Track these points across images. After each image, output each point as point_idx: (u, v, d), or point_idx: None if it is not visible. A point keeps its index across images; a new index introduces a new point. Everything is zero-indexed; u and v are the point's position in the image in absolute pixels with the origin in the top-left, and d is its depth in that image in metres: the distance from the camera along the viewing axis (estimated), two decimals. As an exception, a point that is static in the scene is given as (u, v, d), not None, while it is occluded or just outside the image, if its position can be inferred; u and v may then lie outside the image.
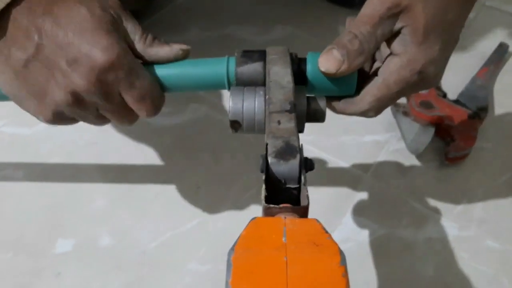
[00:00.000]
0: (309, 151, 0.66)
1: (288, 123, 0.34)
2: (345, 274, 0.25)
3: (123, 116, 0.41)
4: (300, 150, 0.31)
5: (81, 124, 0.68)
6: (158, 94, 0.40)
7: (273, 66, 0.40)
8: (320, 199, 0.61)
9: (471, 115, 0.66)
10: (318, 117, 0.41)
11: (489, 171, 0.63)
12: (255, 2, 0.87)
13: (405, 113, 0.66)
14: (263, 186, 0.30)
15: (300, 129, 0.41)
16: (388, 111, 0.69)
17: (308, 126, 0.41)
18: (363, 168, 0.64)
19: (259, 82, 0.42)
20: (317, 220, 0.27)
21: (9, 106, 0.70)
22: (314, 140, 0.66)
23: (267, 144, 0.32)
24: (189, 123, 0.69)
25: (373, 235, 0.58)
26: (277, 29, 0.82)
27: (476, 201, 0.61)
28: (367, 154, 0.65)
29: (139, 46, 0.40)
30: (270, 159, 0.31)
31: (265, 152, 0.31)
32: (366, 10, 0.38)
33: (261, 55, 0.43)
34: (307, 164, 0.32)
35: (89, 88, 0.37)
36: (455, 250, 0.56)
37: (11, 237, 0.57)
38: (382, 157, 0.65)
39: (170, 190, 0.61)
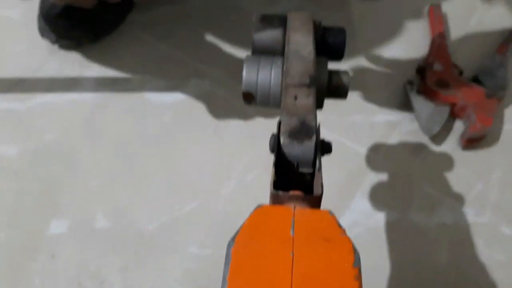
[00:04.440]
0: (317, 131, 0.62)
1: (306, 99, 0.30)
2: (358, 276, 0.22)
3: None
4: (317, 130, 0.28)
5: (76, 99, 0.65)
6: None
7: (294, 33, 0.37)
8: (328, 181, 0.57)
9: (488, 94, 0.62)
10: (341, 93, 0.38)
11: (507, 154, 0.60)
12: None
13: (420, 92, 0.63)
14: (272, 170, 0.27)
15: (319, 106, 0.38)
16: (401, 89, 0.65)
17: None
18: (374, 149, 0.61)
19: (277, 51, 0.38)
20: (331, 212, 0.24)
21: (1, 81, 0.67)
22: (322, 119, 0.63)
23: (280, 122, 0.29)
24: (191, 99, 0.65)
25: (383, 220, 0.55)
26: (283, 1, 0.77)
27: (492, 186, 0.57)
28: (378, 134, 0.62)
29: None
30: (282, 139, 0.27)
31: (277, 131, 0.28)
32: None
33: (282, 21, 0.40)
34: (324, 147, 0.28)
35: None
36: (469, 236, 0.54)
37: (4, 216, 0.54)
38: (394, 138, 0.62)
39: (169, 169, 0.58)
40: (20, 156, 0.59)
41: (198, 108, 0.64)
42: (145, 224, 0.54)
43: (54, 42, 0.70)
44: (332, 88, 0.38)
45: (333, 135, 0.62)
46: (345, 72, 0.38)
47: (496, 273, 0.51)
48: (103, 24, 0.71)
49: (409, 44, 0.72)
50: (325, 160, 0.61)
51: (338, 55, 0.41)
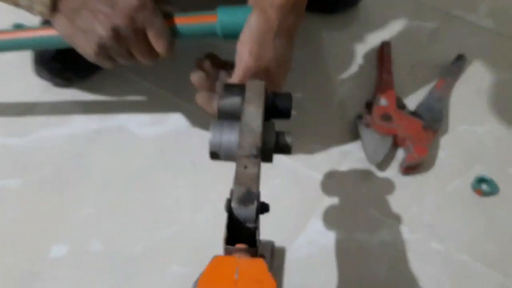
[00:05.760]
0: (281, 159, 0.72)
1: (253, 168, 0.40)
2: None
3: (146, 52, 0.57)
4: (258, 196, 0.38)
5: (70, 133, 0.74)
6: (170, 34, 0.58)
7: (248, 106, 0.46)
8: (287, 204, 0.68)
9: (425, 126, 0.73)
10: (286, 151, 0.47)
11: (440, 179, 0.71)
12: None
13: (367, 125, 0.73)
14: (225, 229, 0.37)
15: (269, 160, 0.47)
16: (353, 122, 0.75)
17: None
18: (329, 175, 0.71)
19: (238, 116, 0.47)
20: (264, 260, 0.34)
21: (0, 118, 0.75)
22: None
23: (232, 190, 0.38)
24: (172, 133, 0.75)
25: (333, 239, 0.65)
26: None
27: (426, 207, 0.68)
28: (332, 162, 0.72)
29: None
30: (233, 204, 0.37)
31: (230, 197, 0.38)
32: None
33: (241, 90, 0.48)
34: (263, 208, 0.38)
35: (125, 23, 0.53)
36: (405, 251, 0.64)
37: (10, 242, 0.64)
38: (345, 165, 0.72)
39: (152, 199, 0.68)
40: (21, 188, 0.68)
41: (178, 142, 0.74)
42: (132, 247, 0.64)
43: (48, 80, 0.79)
44: (279, 146, 0.47)
45: (295, 163, 0.72)
46: (290, 134, 0.48)
47: (424, 283, 0.62)
48: (92, 64, 0.80)
49: (362, 79, 0.82)
50: (288, 186, 0.70)
51: (286, 116, 0.51)
